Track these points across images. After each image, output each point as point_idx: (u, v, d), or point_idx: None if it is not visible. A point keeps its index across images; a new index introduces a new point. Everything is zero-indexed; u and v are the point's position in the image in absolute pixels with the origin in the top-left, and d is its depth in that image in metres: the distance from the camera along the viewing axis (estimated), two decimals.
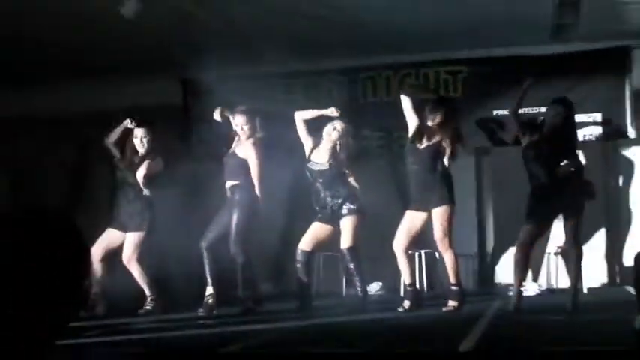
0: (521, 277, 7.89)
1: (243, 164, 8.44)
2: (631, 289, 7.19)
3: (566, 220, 7.95)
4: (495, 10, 9.16)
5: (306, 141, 8.61)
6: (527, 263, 7.97)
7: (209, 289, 8.34)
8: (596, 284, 10.48)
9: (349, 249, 8.38)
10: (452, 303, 7.93)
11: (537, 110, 9.65)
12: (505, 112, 9.78)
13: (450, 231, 8.04)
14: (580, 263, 7.86)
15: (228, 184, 8.50)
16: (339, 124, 8.55)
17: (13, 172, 12.08)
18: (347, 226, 8.40)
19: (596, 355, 4.67)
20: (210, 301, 8.29)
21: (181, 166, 9.81)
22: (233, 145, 8.62)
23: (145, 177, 8.64)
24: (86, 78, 10.77)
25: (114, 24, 8.49)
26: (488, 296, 9.61)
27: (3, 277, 1.72)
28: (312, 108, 8.76)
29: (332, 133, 8.51)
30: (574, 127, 8.22)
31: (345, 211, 8.42)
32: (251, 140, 8.49)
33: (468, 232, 10.97)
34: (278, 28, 9.64)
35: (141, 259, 8.60)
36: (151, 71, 10.45)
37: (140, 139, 8.75)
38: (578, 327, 6.61)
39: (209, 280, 8.35)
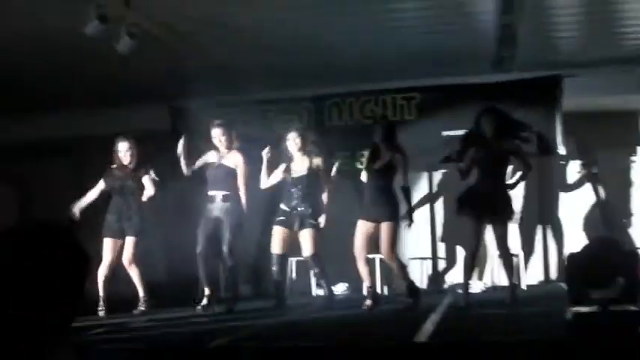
0: (468, 276, 7.90)
1: (232, 173, 8.40)
2: (564, 285, 7.24)
3: (494, 231, 7.94)
4: (444, 43, 9.23)
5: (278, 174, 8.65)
6: (473, 264, 7.92)
7: (207, 290, 8.27)
8: (534, 281, 10.54)
9: (312, 256, 8.43)
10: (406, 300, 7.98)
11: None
12: (452, 133, 9.88)
13: (394, 243, 8.01)
14: (511, 265, 7.88)
15: (217, 193, 8.40)
16: (294, 134, 8.60)
17: (20, 190, 12.01)
18: (307, 237, 8.44)
19: (534, 344, 4.69)
20: (209, 300, 8.21)
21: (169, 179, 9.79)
22: (215, 158, 8.55)
23: (146, 184, 8.64)
24: (85, 106, 10.73)
25: (110, 59, 8.47)
26: (440, 294, 9.63)
27: (13, 281, 1.72)
28: (283, 131, 8.77)
29: (295, 140, 8.55)
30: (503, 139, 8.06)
31: (307, 224, 8.43)
32: (234, 150, 8.46)
33: (423, 239, 11.02)
34: (255, 62, 9.68)
35: (138, 262, 8.54)
36: (141, 100, 10.43)
37: (124, 153, 8.69)
38: (518, 319, 6.64)
39: (205, 282, 8.28)
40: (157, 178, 8.71)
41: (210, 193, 8.47)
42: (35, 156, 11.51)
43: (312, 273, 9.26)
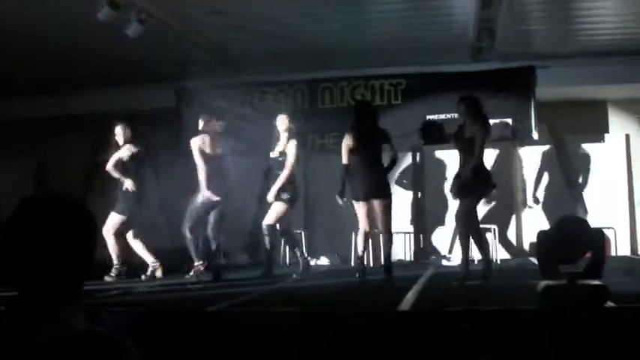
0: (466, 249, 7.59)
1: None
2: (534, 260, 7.24)
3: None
4: (428, 35, 9.22)
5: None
6: (468, 237, 7.56)
7: (197, 262, 8.20)
8: (507, 256, 10.58)
9: (278, 228, 8.35)
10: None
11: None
12: (435, 116, 9.89)
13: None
14: (480, 240, 7.50)
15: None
16: (284, 116, 8.40)
17: (37, 163, 11.95)
18: (274, 209, 8.26)
19: (508, 313, 4.70)
20: (199, 270, 8.16)
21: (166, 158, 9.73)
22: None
23: (118, 162, 8.39)
24: (98, 86, 10.66)
25: (122, 43, 8.40)
26: (423, 266, 9.65)
27: (29, 246, 1.72)
28: (280, 112, 8.61)
29: (282, 122, 8.33)
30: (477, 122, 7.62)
31: (278, 197, 8.24)
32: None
33: (407, 214, 11.03)
34: (254, 48, 9.64)
35: (137, 236, 8.46)
36: (149, 81, 10.37)
37: (119, 135, 8.52)
38: (493, 290, 6.65)
39: (194, 255, 8.20)
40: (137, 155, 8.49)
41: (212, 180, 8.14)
42: (51, 132, 11.42)
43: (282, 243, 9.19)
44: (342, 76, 10.51)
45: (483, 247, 7.50)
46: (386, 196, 7.67)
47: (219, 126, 8.42)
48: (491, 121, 9.62)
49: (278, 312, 5.23)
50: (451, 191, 7.68)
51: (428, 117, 10.02)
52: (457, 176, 7.55)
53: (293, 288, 7.44)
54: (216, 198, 8.04)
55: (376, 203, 7.64)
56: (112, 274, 8.28)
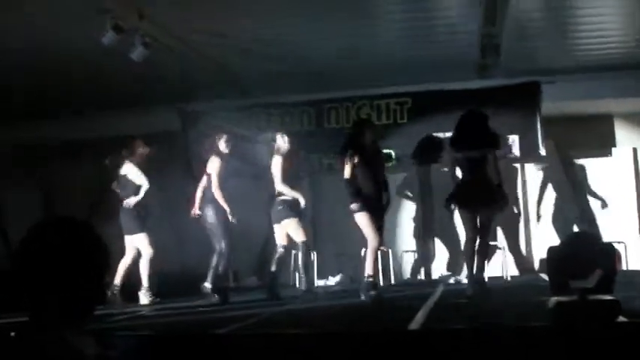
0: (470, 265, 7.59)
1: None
2: (545, 276, 7.22)
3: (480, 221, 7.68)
4: (433, 52, 9.25)
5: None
6: (473, 253, 7.57)
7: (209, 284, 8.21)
8: (517, 273, 10.53)
9: (286, 246, 8.43)
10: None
11: None
12: (442, 134, 9.89)
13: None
14: (484, 256, 7.58)
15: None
16: (284, 137, 8.42)
17: (44, 188, 11.98)
18: (288, 228, 8.31)
19: (518, 330, 4.68)
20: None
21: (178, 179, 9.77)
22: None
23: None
24: (102, 110, 10.71)
25: (125, 66, 8.46)
26: (431, 284, 9.62)
27: (40, 271, 1.73)
28: (284, 133, 8.64)
29: (282, 144, 8.36)
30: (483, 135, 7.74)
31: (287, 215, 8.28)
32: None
33: (415, 233, 11.01)
34: (260, 69, 9.69)
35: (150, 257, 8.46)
36: (154, 103, 10.43)
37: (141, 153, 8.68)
38: (504, 307, 6.62)
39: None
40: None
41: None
42: (58, 156, 11.46)
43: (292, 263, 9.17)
44: (347, 97, 10.54)
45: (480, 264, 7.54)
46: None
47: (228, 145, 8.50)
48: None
49: (286, 334, 5.21)
50: (464, 202, 7.59)
51: (434, 135, 10.03)
52: (464, 186, 7.51)
53: (301, 309, 7.42)
54: (232, 219, 8.13)
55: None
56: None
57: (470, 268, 7.55)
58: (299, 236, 8.21)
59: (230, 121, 9.79)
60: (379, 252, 7.95)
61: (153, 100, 10.37)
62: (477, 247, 7.51)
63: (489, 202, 7.48)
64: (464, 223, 7.70)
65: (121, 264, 8.38)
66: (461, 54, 9.28)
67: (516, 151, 9.96)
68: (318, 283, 9.84)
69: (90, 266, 1.78)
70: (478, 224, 7.53)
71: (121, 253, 8.45)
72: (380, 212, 7.75)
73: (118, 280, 8.36)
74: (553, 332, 4.45)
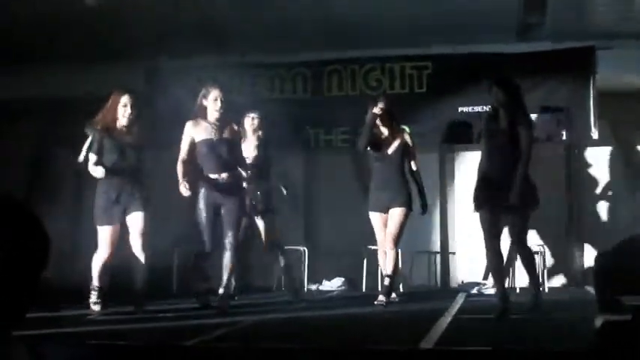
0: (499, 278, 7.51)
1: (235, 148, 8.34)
2: (591, 290, 7.23)
3: (511, 223, 7.64)
4: (461, 7, 9.19)
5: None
6: (502, 258, 7.60)
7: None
8: (557, 284, 10.56)
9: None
10: (381, 298, 8.10)
11: None
12: (470, 108, 9.88)
13: (401, 232, 8.20)
14: (532, 265, 7.58)
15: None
16: (256, 115, 8.84)
17: None
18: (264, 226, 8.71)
19: (558, 355, 4.69)
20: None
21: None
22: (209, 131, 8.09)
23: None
24: (50, 65, 10.67)
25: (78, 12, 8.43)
26: (451, 293, 9.64)
27: None
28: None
29: (251, 123, 8.80)
30: (517, 110, 7.51)
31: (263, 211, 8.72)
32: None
33: (431, 231, 11.03)
34: (244, 20, 9.63)
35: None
36: (113, 59, 10.37)
37: (124, 110, 7.83)
38: (539, 326, 6.64)
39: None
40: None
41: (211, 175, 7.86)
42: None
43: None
44: (353, 58, 10.51)
45: (533, 271, 7.59)
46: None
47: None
48: (541, 117, 9.74)
49: (270, 348, 5.23)
50: (484, 200, 7.50)
51: (460, 109, 10.02)
52: (488, 181, 7.48)
53: (290, 318, 7.44)
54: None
55: None
56: (94, 301, 7.76)
57: (498, 282, 7.51)
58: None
59: (207, 82, 9.76)
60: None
61: (114, 56, 10.32)
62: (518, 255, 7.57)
63: (518, 200, 7.35)
64: (482, 225, 7.56)
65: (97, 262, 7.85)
66: (497, 10, 9.24)
67: (562, 131, 9.95)
68: (310, 287, 9.87)
69: (23, 258, 1.77)
70: (506, 225, 7.52)
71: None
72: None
73: (96, 281, 7.84)
74: (598, 359, 4.46)
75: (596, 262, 5.00)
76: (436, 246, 11.11)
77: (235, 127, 7.96)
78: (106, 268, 7.78)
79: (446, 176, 11.23)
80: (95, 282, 7.77)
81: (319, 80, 10.52)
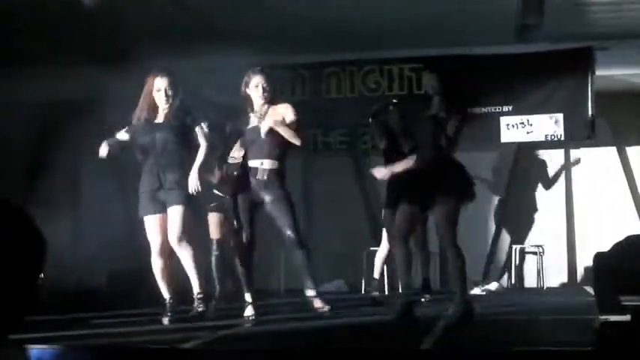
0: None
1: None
2: (590, 290, 7.23)
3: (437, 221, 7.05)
4: (459, 9, 9.20)
5: None
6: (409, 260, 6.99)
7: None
8: (555, 284, 10.55)
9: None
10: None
11: (499, 110, 9.83)
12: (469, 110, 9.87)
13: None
14: (464, 267, 6.87)
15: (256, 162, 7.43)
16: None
17: None
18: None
19: (557, 355, 4.68)
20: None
21: None
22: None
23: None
24: (48, 66, 10.65)
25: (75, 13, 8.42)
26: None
27: None
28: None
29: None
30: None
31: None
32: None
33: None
34: (243, 21, 9.62)
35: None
36: (112, 61, 10.35)
37: (165, 92, 7.14)
38: (537, 327, 6.64)
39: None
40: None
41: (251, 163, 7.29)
42: None
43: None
44: (352, 60, 10.51)
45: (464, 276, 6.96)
46: None
47: None
48: (539, 117, 9.76)
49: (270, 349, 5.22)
50: (405, 195, 6.97)
51: None
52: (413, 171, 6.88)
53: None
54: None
55: None
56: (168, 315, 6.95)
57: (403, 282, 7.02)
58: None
59: (206, 85, 9.73)
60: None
61: (108, 57, 10.30)
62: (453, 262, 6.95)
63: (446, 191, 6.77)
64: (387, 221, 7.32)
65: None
66: (495, 11, 9.24)
67: (560, 131, 9.95)
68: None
69: (20, 261, 1.76)
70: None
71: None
72: None
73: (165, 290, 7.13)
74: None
75: (596, 261, 5.00)
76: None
77: (280, 114, 7.26)
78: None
79: None
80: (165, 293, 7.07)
81: (318, 82, 10.52)
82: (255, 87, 7.33)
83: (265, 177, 7.14)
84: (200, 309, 7.08)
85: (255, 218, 7.23)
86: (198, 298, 7.08)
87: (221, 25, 9.72)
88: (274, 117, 7.16)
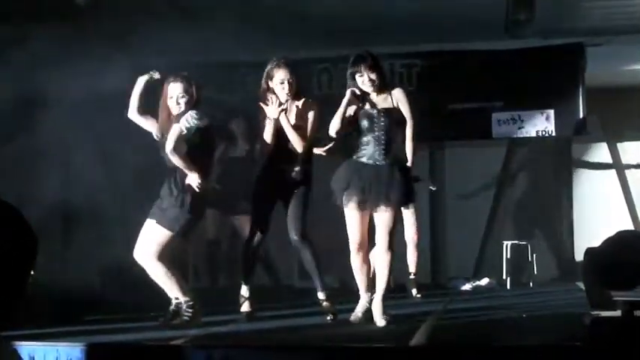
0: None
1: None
2: (581, 285, 7.24)
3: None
4: (450, 4, 9.20)
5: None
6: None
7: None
8: (545, 279, 10.57)
9: None
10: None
11: (490, 105, 9.84)
12: (460, 105, 9.90)
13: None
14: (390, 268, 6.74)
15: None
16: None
17: None
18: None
19: (548, 350, 4.69)
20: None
21: None
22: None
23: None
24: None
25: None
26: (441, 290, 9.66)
27: None
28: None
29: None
30: None
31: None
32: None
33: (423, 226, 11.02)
34: (230, 16, 9.60)
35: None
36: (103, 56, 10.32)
37: (176, 99, 6.67)
38: (528, 323, 6.65)
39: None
40: None
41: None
42: None
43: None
44: (343, 55, 10.49)
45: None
46: None
47: None
48: (530, 113, 9.79)
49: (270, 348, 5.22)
50: (362, 195, 6.77)
51: (450, 106, 10.02)
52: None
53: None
54: None
55: None
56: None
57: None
58: None
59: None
60: None
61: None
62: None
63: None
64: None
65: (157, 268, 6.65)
66: (486, 6, 9.25)
67: (551, 127, 9.96)
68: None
69: (10, 259, 1.76)
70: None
71: None
72: None
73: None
74: (589, 355, 4.46)
75: (586, 256, 5.02)
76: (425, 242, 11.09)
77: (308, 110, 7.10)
78: None
79: (435, 172, 11.21)
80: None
81: (309, 79, 10.49)
82: (279, 83, 7.01)
83: (294, 174, 7.07)
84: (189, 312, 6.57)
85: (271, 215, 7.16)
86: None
87: (212, 20, 9.71)
88: (299, 114, 7.00)
